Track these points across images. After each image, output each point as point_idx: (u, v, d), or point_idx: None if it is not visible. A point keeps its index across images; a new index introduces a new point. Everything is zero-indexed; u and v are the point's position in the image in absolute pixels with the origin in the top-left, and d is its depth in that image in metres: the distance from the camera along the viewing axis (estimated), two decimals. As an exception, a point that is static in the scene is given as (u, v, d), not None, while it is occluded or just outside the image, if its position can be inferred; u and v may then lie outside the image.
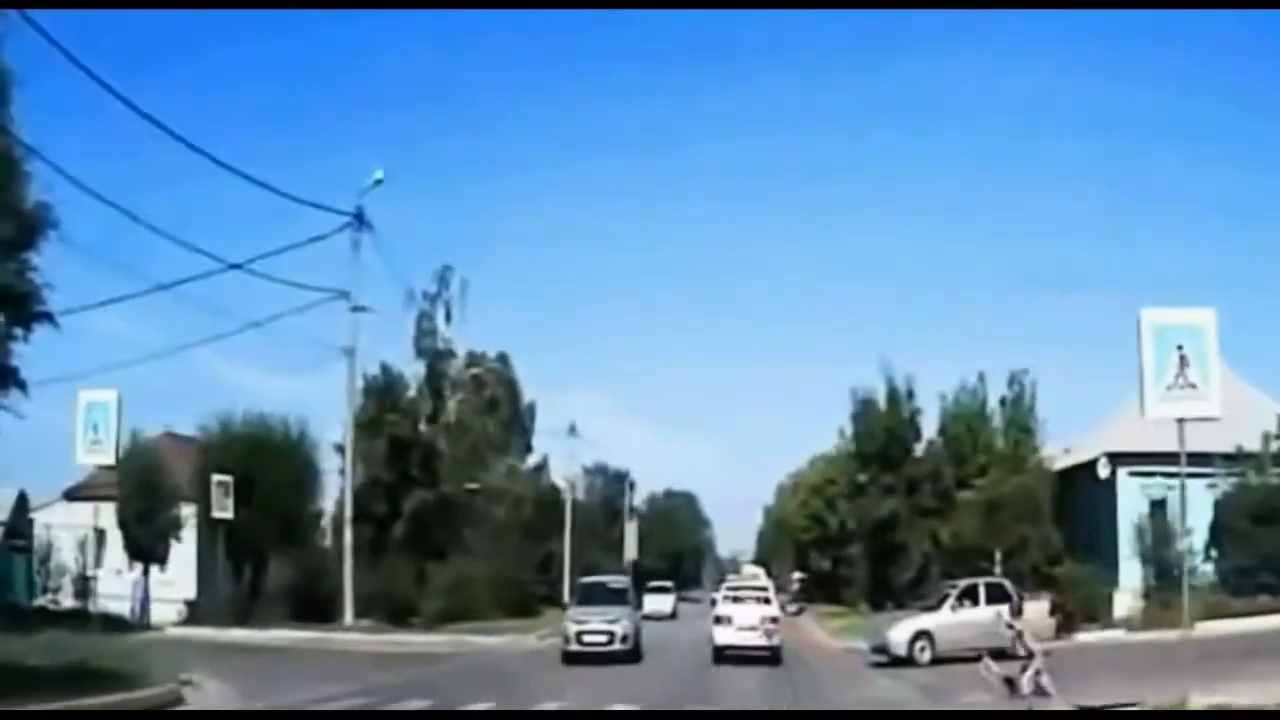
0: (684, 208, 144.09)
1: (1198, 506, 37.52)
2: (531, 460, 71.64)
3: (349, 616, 36.06)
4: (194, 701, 16.85)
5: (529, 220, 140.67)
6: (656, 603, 59.58)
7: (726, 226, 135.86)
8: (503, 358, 69.66)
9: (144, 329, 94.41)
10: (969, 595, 28.54)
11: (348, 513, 37.02)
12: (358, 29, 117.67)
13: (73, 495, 44.46)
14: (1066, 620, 30.73)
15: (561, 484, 73.50)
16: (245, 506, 36.35)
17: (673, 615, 60.73)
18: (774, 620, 29.04)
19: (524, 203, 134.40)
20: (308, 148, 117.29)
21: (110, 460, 27.93)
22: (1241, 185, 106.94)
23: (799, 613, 67.50)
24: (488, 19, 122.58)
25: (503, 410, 67.98)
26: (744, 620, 28.75)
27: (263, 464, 37.55)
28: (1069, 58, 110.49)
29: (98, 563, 41.08)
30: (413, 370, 51.11)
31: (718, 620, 29.33)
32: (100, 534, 40.50)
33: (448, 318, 53.05)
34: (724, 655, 28.26)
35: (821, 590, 74.76)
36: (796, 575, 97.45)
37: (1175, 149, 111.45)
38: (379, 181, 36.38)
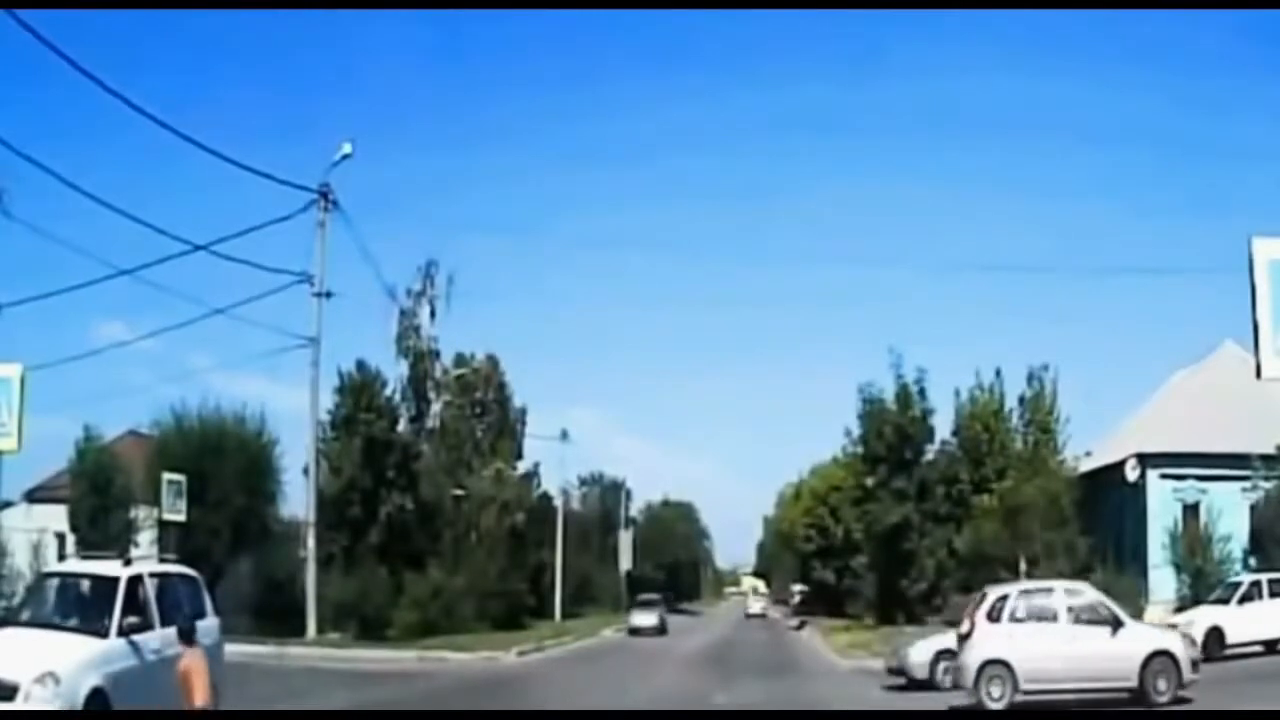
0: (682, 215, 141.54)
1: (1234, 510, 35.43)
2: (522, 467, 68.82)
3: (311, 629, 33.09)
4: None
5: (524, 228, 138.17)
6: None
7: (727, 233, 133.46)
8: (492, 360, 67.00)
9: (103, 318, 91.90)
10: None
11: (310, 516, 34.08)
12: (353, 38, 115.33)
13: (34, 497, 42.64)
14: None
15: (554, 492, 70.69)
16: (199, 508, 33.52)
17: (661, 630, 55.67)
18: (765, 606, 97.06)
19: (519, 211, 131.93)
20: (306, 154, 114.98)
21: (14, 446, 25.07)
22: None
23: (800, 627, 64.64)
24: (486, 21, 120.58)
25: (492, 414, 65.24)
26: (754, 605, 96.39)
27: (217, 463, 34.75)
28: (1077, 52, 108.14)
29: (58, 568, 39.05)
30: (395, 370, 48.54)
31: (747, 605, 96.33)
32: (61, 537, 38.14)
33: (432, 315, 50.32)
34: (748, 618, 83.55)
35: (824, 603, 72.16)
36: (797, 588, 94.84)
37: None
38: (347, 156, 33.63)
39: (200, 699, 11.75)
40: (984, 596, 20.04)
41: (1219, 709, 17.97)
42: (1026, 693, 18.78)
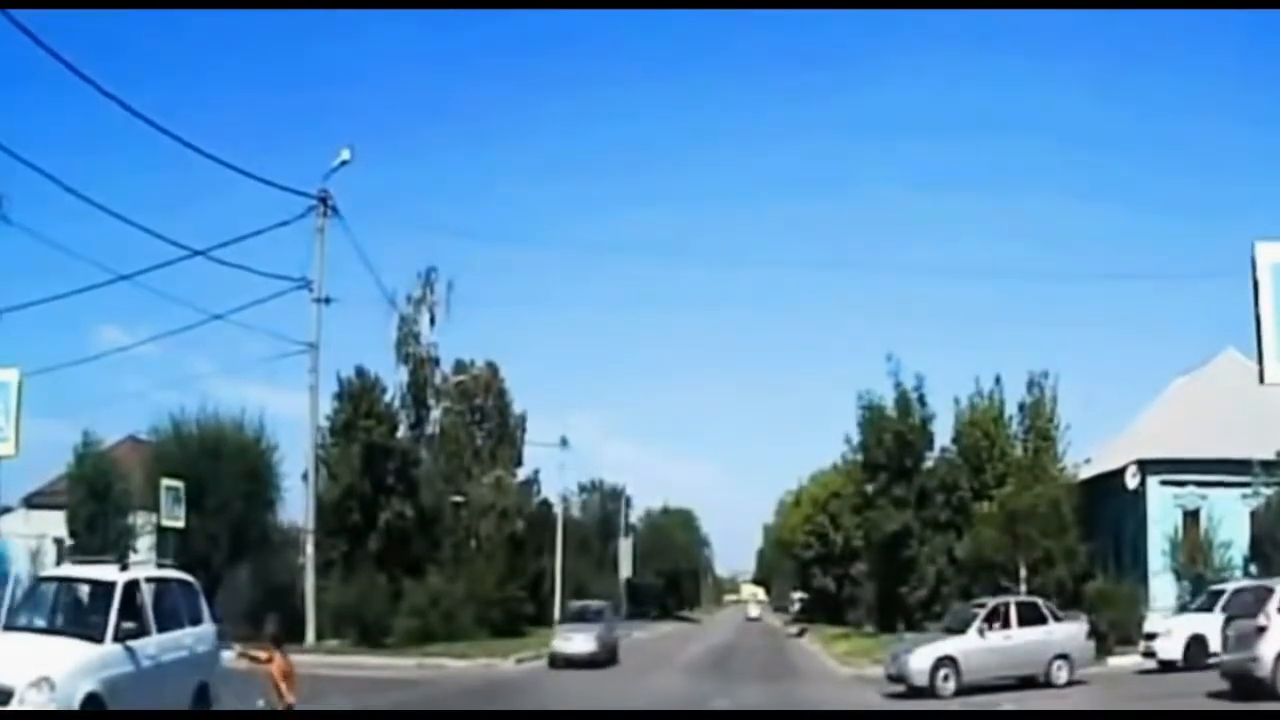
0: (681, 221, 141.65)
1: (1234, 517, 35.35)
2: (521, 474, 68.70)
3: (310, 636, 33.00)
4: None
5: (523, 235, 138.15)
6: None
7: (726, 238, 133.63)
8: (492, 367, 66.94)
9: (102, 323, 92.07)
10: (998, 616, 25.41)
11: (309, 522, 34.00)
12: (353, 42, 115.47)
13: (32, 502, 42.70)
14: (1100, 643, 27.70)
15: (553, 499, 70.57)
16: (198, 514, 33.44)
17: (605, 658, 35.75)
18: (761, 611, 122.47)
19: (519, 217, 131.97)
20: (305, 160, 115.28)
21: (12, 451, 25.03)
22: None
23: (800, 634, 64.58)
24: (486, 24, 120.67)
25: (491, 421, 65.19)
26: (753, 610, 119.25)
27: (216, 468, 34.68)
28: (1077, 56, 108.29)
29: (56, 574, 39.16)
30: (394, 376, 48.54)
31: (748, 610, 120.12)
32: (60, 543, 38.23)
33: (432, 322, 50.32)
34: (748, 621, 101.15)
35: (824, 610, 72.06)
36: (796, 595, 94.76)
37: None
38: (345, 162, 33.65)
39: (292, 697, 12.35)
40: (1273, 593, 21.00)
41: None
42: None
